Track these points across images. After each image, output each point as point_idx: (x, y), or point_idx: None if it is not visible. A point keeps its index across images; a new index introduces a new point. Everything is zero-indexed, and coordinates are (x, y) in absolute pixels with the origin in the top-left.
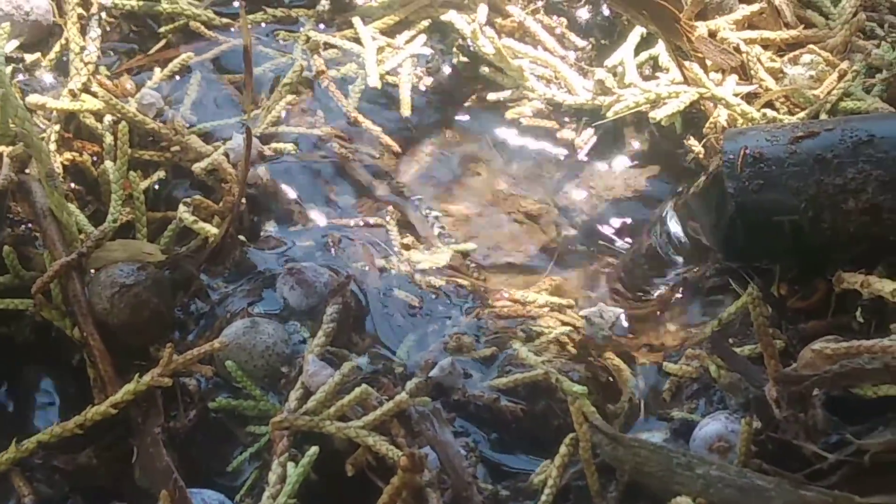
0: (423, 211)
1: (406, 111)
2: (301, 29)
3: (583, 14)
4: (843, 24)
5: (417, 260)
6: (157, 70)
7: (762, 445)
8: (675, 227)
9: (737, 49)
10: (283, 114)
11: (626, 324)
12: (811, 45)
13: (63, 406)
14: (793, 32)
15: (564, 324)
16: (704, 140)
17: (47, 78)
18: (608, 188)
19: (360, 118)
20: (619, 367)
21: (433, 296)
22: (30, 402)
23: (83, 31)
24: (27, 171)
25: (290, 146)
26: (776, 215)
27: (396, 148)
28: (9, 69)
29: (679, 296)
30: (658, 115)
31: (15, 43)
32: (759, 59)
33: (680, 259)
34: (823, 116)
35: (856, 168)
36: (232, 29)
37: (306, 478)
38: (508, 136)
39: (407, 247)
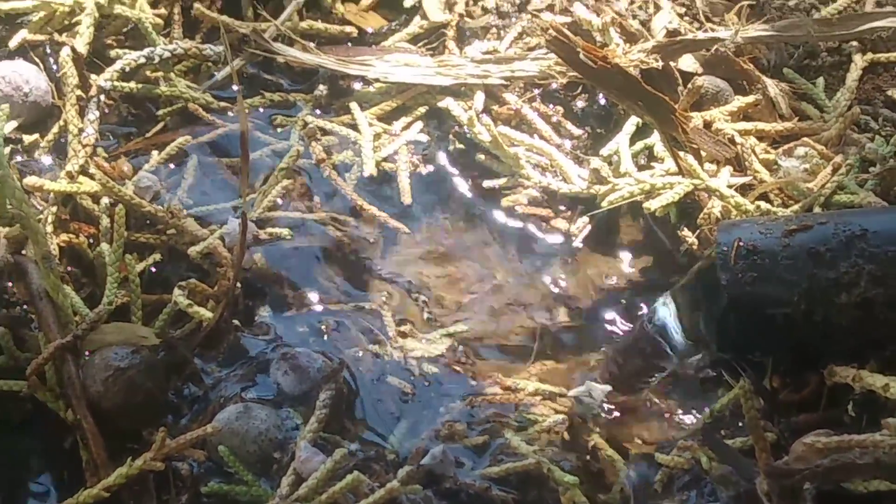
0: (415, 296)
1: (406, 199)
2: (298, 114)
3: (579, 103)
4: (837, 116)
5: (412, 348)
6: (154, 153)
7: None
8: (668, 318)
9: (731, 140)
10: (279, 198)
11: (617, 413)
12: (805, 138)
13: (55, 489)
14: (787, 124)
15: (557, 412)
16: (698, 231)
17: (45, 159)
18: (602, 276)
19: (365, 204)
20: (611, 457)
21: (426, 383)
22: (21, 485)
23: (82, 113)
24: (23, 252)
25: (285, 231)
26: (769, 308)
27: (406, 231)
28: (7, 150)
29: (671, 387)
30: (652, 205)
31: (14, 124)
32: (753, 151)
33: (673, 350)
34: (817, 209)
35: (849, 262)
36: (230, 112)
37: None
38: (503, 223)
39: (403, 334)
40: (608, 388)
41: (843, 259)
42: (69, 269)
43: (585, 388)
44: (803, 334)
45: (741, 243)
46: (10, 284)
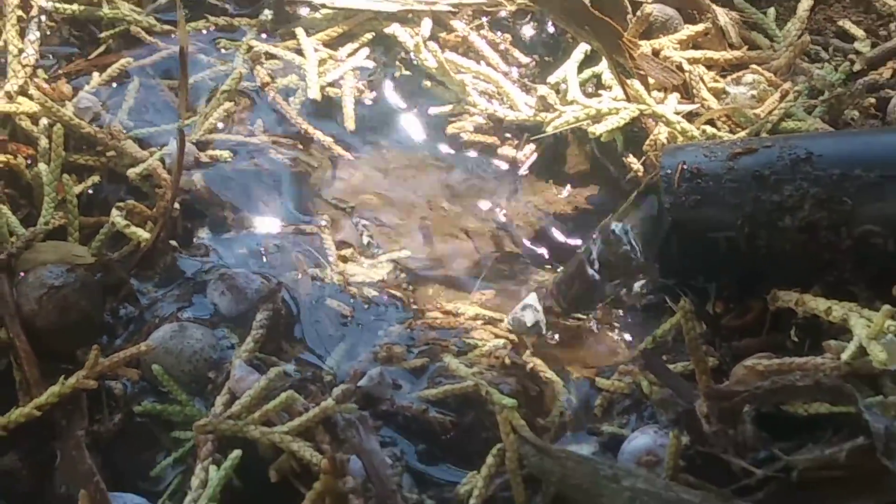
0: (357, 220)
1: (350, 124)
2: (243, 38)
3: (527, 31)
4: (787, 46)
5: (353, 272)
6: (95, 75)
7: (691, 460)
8: (609, 243)
9: (679, 68)
10: (221, 121)
11: (559, 338)
12: (754, 66)
13: None
14: (737, 53)
15: (497, 337)
16: (644, 158)
17: None
18: (548, 204)
19: (309, 128)
20: (552, 380)
21: (365, 306)
22: None
23: (22, 33)
24: None
25: (226, 153)
26: (712, 231)
27: (350, 157)
28: None
29: (614, 312)
30: (598, 129)
31: None
32: (701, 79)
33: (616, 275)
34: (764, 136)
35: (793, 185)
36: (173, 35)
37: (229, 482)
38: (449, 150)
39: (344, 258)
40: (535, 295)
41: (787, 182)
42: (6, 190)
43: (522, 309)
44: (747, 258)
45: (685, 166)
46: None
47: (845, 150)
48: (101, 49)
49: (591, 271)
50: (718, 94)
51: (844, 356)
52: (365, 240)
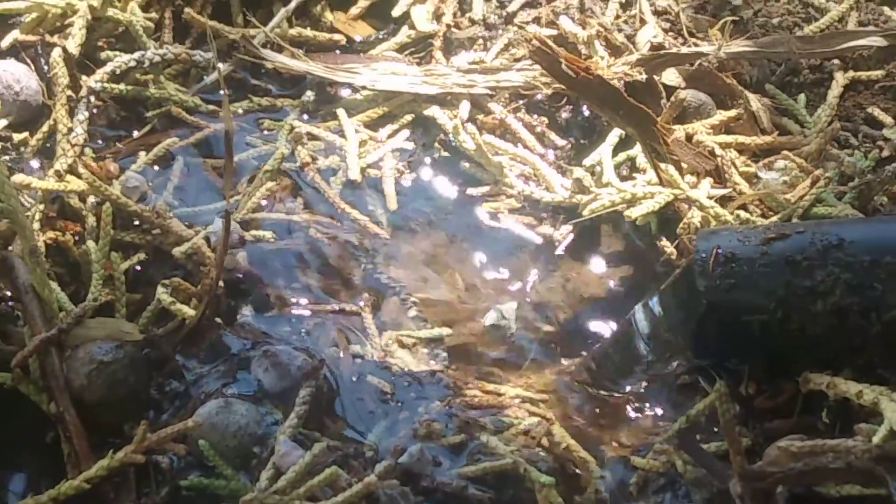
0: (396, 299)
1: (392, 205)
2: (286, 118)
3: (563, 114)
4: (817, 132)
5: (393, 349)
6: (142, 154)
7: None
8: (646, 323)
9: (712, 153)
10: (264, 200)
11: (594, 416)
12: (786, 152)
13: (37, 482)
14: (768, 138)
15: (533, 415)
16: (677, 241)
17: (34, 158)
18: (583, 284)
19: (347, 208)
20: (587, 459)
21: (406, 383)
22: (2, 478)
23: (71, 113)
24: (10, 247)
25: (269, 233)
26: (746, 315)
27: (385, 236)
28: None
29: (649, 391)
30: (633, 213)
31: (3, 122)
32: (733, 164)
33: (650, 355)
34: (795, 221)
35: (825, 271)
36: (218, 115)
37: None
38: (486, 230)
39: (384, 336)
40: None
41: (819, 268)
42: (55, 270)
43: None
44: (779, 341)
45: (720, 251)
46: None
47: (875, 237)
48: (148, 128)
49: (635, 345)
50: (750, 178)
51: (876, 439)
52: (403, 318)
